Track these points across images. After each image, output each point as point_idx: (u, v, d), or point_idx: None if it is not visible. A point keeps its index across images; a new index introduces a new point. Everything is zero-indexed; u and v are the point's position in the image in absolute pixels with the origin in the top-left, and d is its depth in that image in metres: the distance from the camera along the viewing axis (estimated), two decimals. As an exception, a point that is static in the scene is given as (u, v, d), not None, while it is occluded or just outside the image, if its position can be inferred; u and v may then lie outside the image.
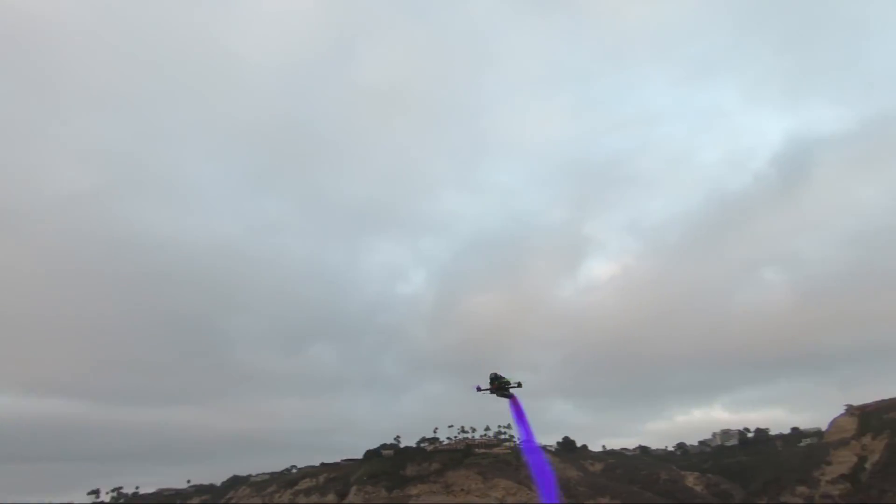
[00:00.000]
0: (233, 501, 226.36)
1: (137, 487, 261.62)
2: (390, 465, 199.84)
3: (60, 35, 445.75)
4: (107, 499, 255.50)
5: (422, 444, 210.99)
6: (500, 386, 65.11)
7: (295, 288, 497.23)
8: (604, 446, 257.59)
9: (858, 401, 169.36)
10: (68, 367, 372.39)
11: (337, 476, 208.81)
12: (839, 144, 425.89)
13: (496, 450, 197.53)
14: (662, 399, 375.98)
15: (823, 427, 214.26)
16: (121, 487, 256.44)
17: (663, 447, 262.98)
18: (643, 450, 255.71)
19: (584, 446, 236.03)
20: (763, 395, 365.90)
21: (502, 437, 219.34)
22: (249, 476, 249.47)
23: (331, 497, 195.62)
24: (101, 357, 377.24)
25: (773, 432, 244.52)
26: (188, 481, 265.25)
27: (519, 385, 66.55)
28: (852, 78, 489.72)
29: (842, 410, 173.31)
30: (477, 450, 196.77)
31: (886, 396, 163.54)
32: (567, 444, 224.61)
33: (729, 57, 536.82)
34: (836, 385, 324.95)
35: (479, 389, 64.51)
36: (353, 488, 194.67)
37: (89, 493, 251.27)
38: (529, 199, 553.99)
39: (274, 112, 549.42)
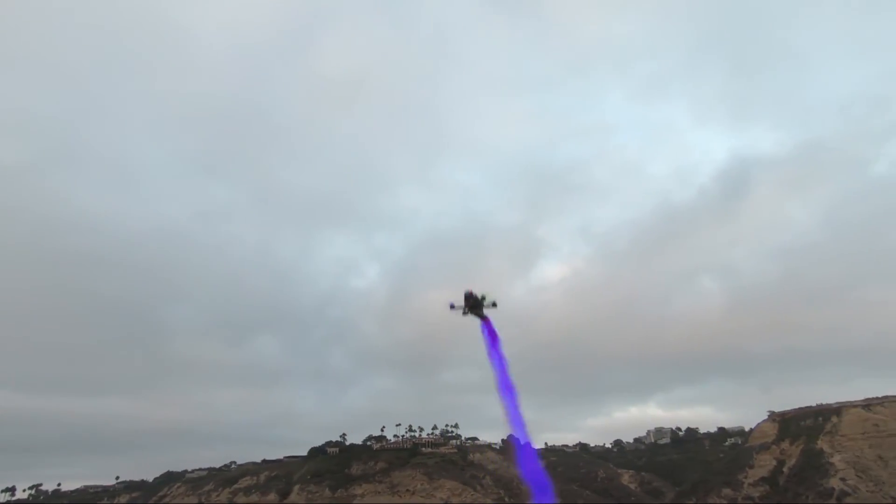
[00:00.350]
0: (166, 500, 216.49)
1: (59, 484, 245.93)
2: (335, 463, 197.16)
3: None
4: (24, 496, 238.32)
5: (368, 443, 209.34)
6: (474, 304, 63.48)
7: (242, 278, 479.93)
8: (546, 443, 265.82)
9: (777, 401, 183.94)
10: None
11: (279, 474, 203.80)
12: (776, 166, 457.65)
13: (443, 449, 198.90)
14: (603, 396, 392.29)
15: (746, 425, 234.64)
16: (40, 484, 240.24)
17: (602, 444, 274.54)
18: (583, 447, 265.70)
19: (528, 444, 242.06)
20: (693, 394, 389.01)
21: (449, 435, 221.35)
22: (185, 472, 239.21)
23: (272, 496, 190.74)
24: (23, 342, 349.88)
25: (701, 430, 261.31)
26: (117, 477, 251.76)
27: (494, 305, 65.00)
28: (791, 106, 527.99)
29: (761, 410, 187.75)
30: (423, 449, 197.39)
31: (802, 398, 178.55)
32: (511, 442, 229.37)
33: (683, 77, 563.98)
34: (758, 387, 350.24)
35: (452, 307, 63.02)
36: (296, 487, 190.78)
37: (3, 491, 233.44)
38: (486, 199, 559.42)
39: (227, 94, 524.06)
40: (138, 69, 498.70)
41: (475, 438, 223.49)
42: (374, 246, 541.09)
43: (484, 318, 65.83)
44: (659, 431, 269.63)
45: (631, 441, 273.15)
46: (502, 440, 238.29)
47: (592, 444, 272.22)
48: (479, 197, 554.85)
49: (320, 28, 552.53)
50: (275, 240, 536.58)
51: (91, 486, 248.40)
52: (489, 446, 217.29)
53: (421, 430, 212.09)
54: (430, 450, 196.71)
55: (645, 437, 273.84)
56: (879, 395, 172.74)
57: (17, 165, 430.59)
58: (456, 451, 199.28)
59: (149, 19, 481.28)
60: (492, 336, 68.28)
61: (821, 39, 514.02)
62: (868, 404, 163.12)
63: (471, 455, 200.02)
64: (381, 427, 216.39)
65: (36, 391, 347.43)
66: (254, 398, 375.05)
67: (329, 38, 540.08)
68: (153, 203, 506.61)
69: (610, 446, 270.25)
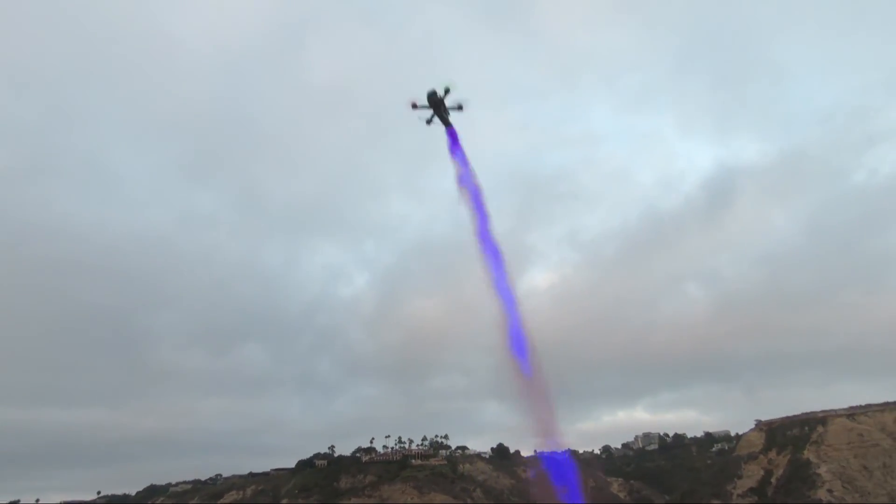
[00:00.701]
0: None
1: (38, 499, 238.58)
2: (323, 476, 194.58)
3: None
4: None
5: (357, 455, 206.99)
6: (437, 104, 56.43)
7: (229, 285, 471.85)
8: (535, 450, 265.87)
9: (759, 404, 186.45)
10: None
11: (265, 488, 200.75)
12: (759, 175, 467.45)
13: (433, 461, 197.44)
14: (591, 401, 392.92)
15: (731, 429, 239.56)
16: (17, 500, 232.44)
17: (590, 450, 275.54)
18: (571, 453, 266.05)
19: (517, 452, 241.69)
20: (679, 397, 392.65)
21: (438, 445, 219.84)
22: (168, 485, 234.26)
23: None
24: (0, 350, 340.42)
25: (688, 434, 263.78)
26: (98, 492, 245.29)
27: (460, 108, 57.98)
28: (774, 117, 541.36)
29: (744, 412, 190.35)
30: (413, 461, 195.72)
31: (784, 400, 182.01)
32: (501, 451, 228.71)
33: (669, 89, 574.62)
34: (741, 389, 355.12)
35: (414, 107, 56.27)
36: (284, 501, 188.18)
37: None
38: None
39: (214, 102, 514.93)
40: (121, 75, 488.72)
41: (465, 448, 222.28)
42: (363, 254, 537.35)
43: (448, 125, 57.20)
44: (647, 437, 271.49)
45: (619, 447, 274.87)
46: (492, 449, 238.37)
47: (581, 451, 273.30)
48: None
49: (308, 35, 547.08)
50: (261, 247, 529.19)
51: (71, 502, 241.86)
52: (479, 456, 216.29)
53: (411, 441, 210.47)
54: (419, 462, 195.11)
55: (633, 442, 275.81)
56: (862, 404, 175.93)
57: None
58: (446, 462, 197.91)
59: (132, 24, 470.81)
60: (458, 150, 59.41)
61: (802, 53, 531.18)
62: (852, 413, 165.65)
63: (460, 466, 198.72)
64: (370, 438, 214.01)
65: (14, 402, 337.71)
66: (240, 407, 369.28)
67: (317, 45, 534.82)
68: (137, 210, 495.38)
69: (598, 452, 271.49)
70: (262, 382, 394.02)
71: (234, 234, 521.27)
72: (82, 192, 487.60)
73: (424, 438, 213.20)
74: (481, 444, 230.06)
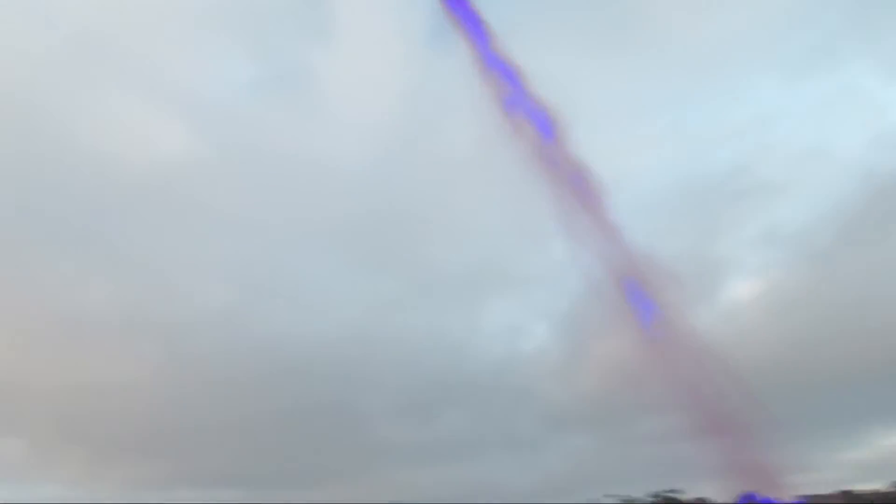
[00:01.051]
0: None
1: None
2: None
3: (185, 171, 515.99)
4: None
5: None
6: None
7: (420, 360, 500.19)
8: (790, 494, 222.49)
9: None
10: (228, 461, 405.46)
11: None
12: None
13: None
14: (854, 423, 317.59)
15: None
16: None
17: (873, 488, 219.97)
18: (846, 495, 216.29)
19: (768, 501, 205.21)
20: None
21: (671, 498, 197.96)
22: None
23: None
24: (257, 450, 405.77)
25: None
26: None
27: None
28: None
29: None
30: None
31: None
32: (748, 501, 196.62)
33: (851, 34, 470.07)
34: None
35: None
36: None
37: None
38: (641, 230, 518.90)
39: (374, 202, 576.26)
40: (303, 205, 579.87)
41: (703, 500, 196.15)
42: (537, 305, 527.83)
43: None
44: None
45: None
46: (738, 497, 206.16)
47: (858, 488, 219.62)
48: (634, 230, 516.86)
49: (442, 118, 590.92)
50: (442, 319, 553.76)
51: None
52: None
53: (635, 500, 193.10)
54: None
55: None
56: None
57: (233, 304, 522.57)
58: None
59: (300, 161, 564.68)
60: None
61: None
62: None
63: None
64: (590, 498, 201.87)
65: (270, 488, 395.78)
66: (453, 471, 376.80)
67: (451, 124, 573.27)
68: (334, 311, 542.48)
69: (889, 489, 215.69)
70: (469, 446, 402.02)
71: (417, 312, 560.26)
72: (291, 307, 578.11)
73: (656, 496, 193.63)
74: (720, 493, 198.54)
